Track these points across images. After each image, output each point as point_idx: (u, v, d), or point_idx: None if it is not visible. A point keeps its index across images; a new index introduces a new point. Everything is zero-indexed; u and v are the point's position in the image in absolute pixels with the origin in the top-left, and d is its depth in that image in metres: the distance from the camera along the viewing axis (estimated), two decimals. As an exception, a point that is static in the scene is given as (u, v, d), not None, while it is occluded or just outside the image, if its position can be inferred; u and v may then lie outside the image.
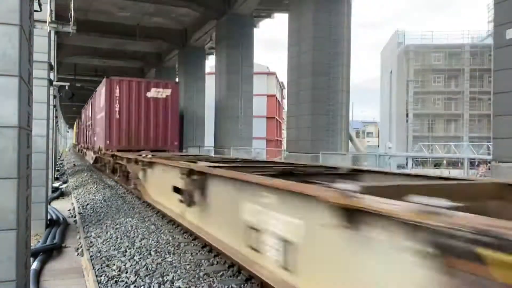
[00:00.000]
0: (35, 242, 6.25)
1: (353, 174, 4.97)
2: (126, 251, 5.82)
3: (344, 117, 14.01)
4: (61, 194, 12.09)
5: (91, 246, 6.15)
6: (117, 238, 6.61)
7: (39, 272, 5.01)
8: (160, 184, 7.85)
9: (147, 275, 4.78)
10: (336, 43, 13.61)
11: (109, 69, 30.01)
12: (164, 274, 4.82)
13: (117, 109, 15.09)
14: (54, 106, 13.97)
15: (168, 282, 4.57)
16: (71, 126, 61.93)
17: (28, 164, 2.85)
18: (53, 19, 7.74)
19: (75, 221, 8.22)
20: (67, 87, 15.07)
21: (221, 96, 19.76)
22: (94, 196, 11.65)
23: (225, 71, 19.20)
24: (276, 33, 49.23)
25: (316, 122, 13.46)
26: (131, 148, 14.61)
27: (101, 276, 4.77)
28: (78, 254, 5.88)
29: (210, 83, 23.57)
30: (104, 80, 15.35)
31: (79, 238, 6.75)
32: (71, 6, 7.85)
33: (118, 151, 13.79)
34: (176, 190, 6.52)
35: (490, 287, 1.59)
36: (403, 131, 45.22)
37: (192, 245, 6.21)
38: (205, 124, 24.94)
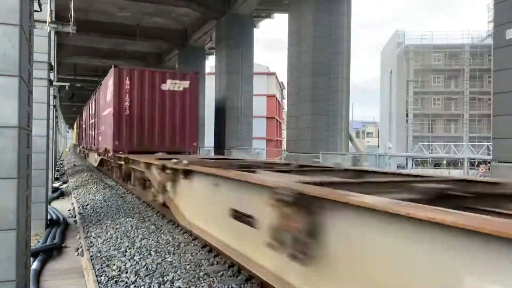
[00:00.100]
0: (35, 242, 6.25)
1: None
2: (126, 251, 5.82)
3: (344, 117, 14.00)
4: (61, 194, 12.10)
5: (91, 246, 6.15)
6: (117, 238, 6.62)
7: (39, 272, 5.02)
8: (206, 203, 5.20)
9: (147, 275, 4.78)
10: (336, 43, 13.61)
11: (109, 69, 29.98)
12: (164, 274, 4.83)
13: (127, 103, 12.76)
14: (54, 106, 13.97)
15: (168, 282, 4.58)
16: (71, 126, 61.91)
17: (28, 164, 2.85)
18: (53, 19, 7.74)
19: (75, 221, 8.22)
20: (67, 87, 15.08)
21: (221, 96, 19.76)
22: (94, 196, 11.65)
23: (225, 71, 19.20)
24: (276, 33, 49.26)
25: (316, 122, 13.45)
26: (144, 149, 12.39)
27: (101, 276, 4.78)
28: (78, 254, 5.88)
29: (210, 83, 23.56)
30: (112, 69, 12.94)
31: (79, 238, 6.75)
32: (71, 6, 7.85)
33: (129, 153, 11.88)
34: (238, 216, 4.12)
35: None
36: (403, 131, 45.22)
37: (192, 245, 6.21)
38: (205, 124, 24.95)
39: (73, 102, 32.32)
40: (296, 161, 9.12)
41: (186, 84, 13.54)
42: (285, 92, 42.05)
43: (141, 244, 6.22)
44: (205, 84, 25.10)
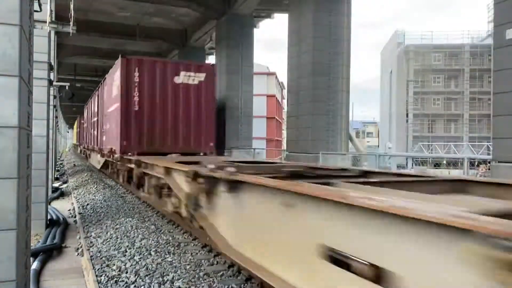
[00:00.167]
0: (35, 242, 6.25)
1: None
2: (126, 251, 5.82)
3: (344, 117, 14.00)
4: (61, 194, 12.10)
5: (91, 246, 6.16)
6: (117, 238, 6.62)
7: (39, 272, 5.02)
8: (269, 230, 3.58)
9: (147, 275, 4.78)
10: (336, 43, 13.61)
11: (109, 69, 29.98)
12: (164, 274, 4.83)
13: (136, 98, 11.29)
14: (54, 106, 13.97)
15: (168, 282, 4.58)
16: (71, 126, 61.92)
17: (28, 164, 2.85)
18: (53, 19, 7.74)
19: (75, 221, 8.22)
20: (67, 87, 15.08)
21: (221, 96, 19.76)
22: (94, 196, 11.65)
23: (225, 71, 19.19)
24: (276, 33, 49.26)
25: (316, 122, 13.45)
26: (155, 150, 11.09)
27: (101, 276, 4.78)
28: (78, 254, 5.88)
29: (210, 83, 23.52)
30: (120, 60, 11.46)
31: (79, 238, 6.75)
32: (71, 6, 7.85)
33: (139, 154, 10.56)
34: (341, 260, 2.56)
35: None
36: (403, 131, 45.22)
37: (192, 245, 6.21)
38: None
39: (73, 102, 32.32)
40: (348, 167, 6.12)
41: (201, 77, 12.10)
42: (285, 92, 42.07)
43: (141, 244, 6.22)
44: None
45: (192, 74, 12.01)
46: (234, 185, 4.10)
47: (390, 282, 2.12)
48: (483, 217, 1.74)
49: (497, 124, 7.45)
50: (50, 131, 9.53)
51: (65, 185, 14.93)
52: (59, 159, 29.33)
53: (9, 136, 2.33)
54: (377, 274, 2.20)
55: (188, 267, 5.11)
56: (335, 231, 2.62)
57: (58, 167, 22.43)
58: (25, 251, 2.65)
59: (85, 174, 18.51)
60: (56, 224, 7.59)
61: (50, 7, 7.07)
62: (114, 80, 12.52)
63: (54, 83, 11.77)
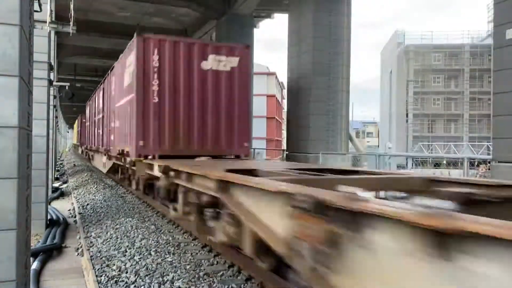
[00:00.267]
0: (35, 242, 6.26)
1: None
2: (126, 251, 5.82)
3: (344, 117, 14.01)
4: (61, 194, 12.10)
5: (91, 246, 6.16)
6: (117, 238, 6.62)
7: (39, 272, 5.02)
8: None
9: (147, 275, 4.78)
10: (336, 43, 13.61)
11: (109, 69, 29.99)
12: (164, 274, 4.83)
13: (155, 88, 9.04)
14: (54, 106, 13.97)
15: (168, 282, 4.58)
16: (71, 126, 61.91)
17: (28, 164, 2.85)
18: (53, 19, 7.75)
19: (75, 221, 8.22)
20: (67, 87, 15.09)
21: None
22: (94, 196, 11.65)
23: (225, 71, 19.17)
24: (276, 33, 49.26)
25: (316, 122, 13.46)
26: (179, 153, 9.04)
27: (101, 276, 4.78)
28: (78, 254, 5.88)
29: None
30: (135, 39, 9.09)
31: (79, 238, 6.75)
32: (71, 6, 7.85)
33: (160, 157, 8.72)
34: None
35: None
36: (403, 131, 45.23)
37: (192, 245, 6.21)
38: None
39: (73, 102, 32.31)
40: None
41: (234, 61, 9.78)
42: (285, 92, 42.06)
43: (141, 244, 6.22)
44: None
45: (223, 58, 9.63)
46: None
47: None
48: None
49: (497, 124, 7.45)
50: (50, 131, 9.54)
51: (65, 185, 14.93)
52: (59, 159, 29.33)
53: (9, 136, 2.33)
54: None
55: (188, 267, 5.11)
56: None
57: (58, 167, 22.42)
58: (25, 251, 2.65)
59: (85, 174, 18.51)
60: (56, 224, 7.60)
61: (50, 7, 7.08)
62: (126, 67, 10.28)
63: (54, 83, 11.77)
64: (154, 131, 9.00)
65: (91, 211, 9.17)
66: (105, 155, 14.47)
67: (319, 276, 2.54)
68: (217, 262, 5.32)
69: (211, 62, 9.52)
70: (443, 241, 1.74)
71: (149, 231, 7.09)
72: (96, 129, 17.96)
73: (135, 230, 7.17)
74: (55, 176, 17.03)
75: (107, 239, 6.54)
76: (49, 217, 7.91)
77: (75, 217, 8.57)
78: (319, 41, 13.44)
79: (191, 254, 5.69)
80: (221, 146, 9.58)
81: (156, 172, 7.21)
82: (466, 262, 1.66)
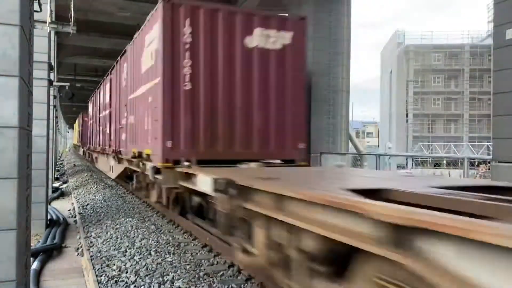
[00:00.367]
0: (35, 242, 6.26)
1: None
2: (126, 251, 5.82)
3: (344, 117, 14.00)
4: (61, 194, 12.10)
5: (91, 246, 6.16)
6: (117, 238, 6.62)
7: (39, 272, 5.02)
8: None
9: (147, 275, 4.78)
10: (336, 43, 13.61)
11: (109, 69, 30.01)
12: (164, 274, 4.83)
13: (187, 70, 6.94)
14: (54, 106, 13.97)
15: (168, 282, 4.58)
16: (71, 126, 61.92)
17: (28, 164, 2.85)
18: (53, 19, 7.75)
19: (75, 221, 8.22)
20: (67, 87, 15.09)
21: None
22: (94, 196, 11.65)
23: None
24: (276, 33, 49.01)
25: (316, 122, 13.46)
26: (217, 156, 7.06)
27: (101, 276, 4.78)
28: (78, 254, 5.88)
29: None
30: (160, 5, 6.99)
31: (79, 238, 6.75)
32: (71, 6, 7.86)
33: (198, 163, 6.55)
34: None
35: None
36: (403, 131, 45.23)
37: (192, 245, 6.21)
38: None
39: (73, 102, 32.31)
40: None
41: (286, 37, 7.62)
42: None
43: (141, 244, 6.22)
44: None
45: (272, 32, 7.50)
46: None
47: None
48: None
49: (497, 124, 7.45)
50: (50, 131, 9.54)
51: (65, 185, 14.93)
52: (59, 159, 29.34)
53: (9, 136, 2.33)
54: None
55: (188, 267, 5.11)
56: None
57: (58, 167, 22.43)
58: (25, 251, 2.65)
59: (85, 174, 18.51)
60: (56, 224, 7.60)
61: (50, 7, 7.08)
62: (145, 46, 8.14)
63: (54, 83, 11.77)
64: (186, 128, 6.86)
65: (91, 211, 9.17)
66: (113, 157, 12.21)
67: None
68: (217, 262, 5.33)
69: (258, 38, 7.39)
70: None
71: (149, 231, 7.09)
72: (101, 127, 15.82)
73: (135, 230, 7.17)
74: (55, 176, 17.04)
75: (107, 239, 6.54)
76: (49, 217, 7.91)
77: (75, 217, 8.57)
78: (319, 41, 13.44)
79: (191, 254, 5.69)
80: (269, 148, 7.44)
81: (204, 186, 5.07)
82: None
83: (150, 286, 4.46)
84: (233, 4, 18.41)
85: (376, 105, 54.66)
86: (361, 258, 2.42)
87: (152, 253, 5.72)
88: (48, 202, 8.34)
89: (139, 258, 5.46)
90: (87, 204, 10.15)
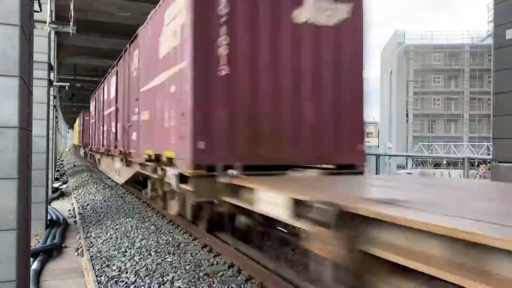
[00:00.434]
0: (35, 242, 6.26)
1: None
2: (126, 251, 5.82)
3: (344, 117, 13.97)
4: (61, 195, 12.10)
5: (91, 246, 6.16)
6: (117, 238, 6.62)
7: (39, 272, 5.02)
8: None
9: (147, 275, 4.78)
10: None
11: (109, 69, 30.02)
12: (164, 274, 4.83)
13: (223, 51, 5.41)
14: (54, 106, 13.98)
15: (168, 282, 4.58)
16: (71, 126, 61.94)
17: (28, 164, 2.85)
18: (53, 19, 7.76)
19: (75, 221, 8.22)
20: (67, 88, 15.09)
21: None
22: (94, 196, 11.65)
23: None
24: (276, 33, 49.00)
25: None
26: (260, 160, 5.48)
27: (101, 276, 4.78)
28: (78, 254, 5.88)
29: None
30: None
31: (79, 238, 6.75)
32: (71, 6, 7.86)
33: (228, 168, 4.87)
34: None
35: None
36: (403, 131, 45.24)
37: (192, 245, 6.21)
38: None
39: (73, 102, 32.32)
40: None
41: (344, 10, 6.07)
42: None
43: (141, 244, 6.22)
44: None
45: (327, 4, 5.95)
46: None
47: None
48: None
49: (497, 124, 7.45)
50: (50, 131, 9.54)
51: (65, 186, 14.93)
52: (59, 159, 29.35)
53: (9, 136, 2.33)
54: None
55: (188, 267, 5.11)
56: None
57: (58, 168, 22.43)
58: (25, 251, 2.65)
59: (85, 175, 18.51)
60: (56, 224, 7.60)
61: (50, 7, 7.08)
62: (165, 23, 6.67)
63: (54, 83, 11.77)
64: (222, 125, 5.32)
65: (91, 211, 9.17)
66: (121, 160, 10.56)
67: None
68: (217, 262, 5.32)
69: (309, 11, 5.82)
70: None
71: (149, 231, 7.09)
72: (105, 126, 14.29)
73: (135, 230, 7.17)
74: (55, 176, 17.04)
75: (107, 239, 6.54)
76: (49, 217, 7.91)
77: (75, 217, 8.57)
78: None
79: (191, 254, 5.69)
80: (323, 150, 5.80)
81: (272, 209, 3.54)
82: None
83: (150, 287, 4.46)
84: None
85: (376, 105, 54.60)
86: None
87: (152, 253, 5.72)
88: (48, 202, 8.34)
89: (139, 259, 5.46)
90: (87, 204, 10.15)
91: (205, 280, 4.66)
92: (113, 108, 12.31)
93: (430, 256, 1.98)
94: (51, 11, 7.16)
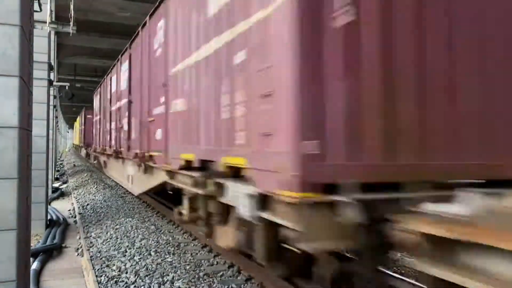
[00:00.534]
0: (35, 242, 6.26)
1: None
2: (126, 251, 5.82)
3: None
4: (61, 195, 12.10)
5: (91, 246, 6.16)
6: (117, 238, 6.62)
7: (39, 272, 5.02)
8: None
9: (147, 275, 4.78)
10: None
11: (109, 69, 30.05)
12: (164, 274, 4.83)
13: None
14: (54, 106, 13.98)
15: (168, 282, 4.58)
16: (71, 126, 61.99)
17: (28, 164, 2.85)
18: (53, 19, 7.76)
19: (75, 221, 8.22)
20: (67, 88, 15.08)
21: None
22: (94, 196, 11.65)
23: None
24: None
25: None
26: (399, 176, 3.16)
27: (101, 276, 4.78)
28: (78, 254, 5.88)
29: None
30: None
31: (79, 238, 6.75)
32: (71, 6, 7.86)
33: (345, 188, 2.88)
34: None
35: None
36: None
37: (192, 245, 6.21)
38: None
39: (73, 102, 32.35)
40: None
41: None
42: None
43: (141, 244, 6.22)
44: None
45: None
46: None
47: None
48: None
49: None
50: (50, 131, 9.54)
51: (65, 185, 14.93)
52: (59, 159, 29.36)
53: (9, 136, 2.33)
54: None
55: (188, 267, 5.11)
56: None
57: (58, 167, 22.44)
58: (25, 251, 2.65)
59: (85, 175, 18.51)
60: (56, 224, 7.60)
61: (50, 7, 7.09)
62: None
63: (54, 83, 11.78)
64: (345, 113, 3.15)
65: (91, 211, 9.17)
66: (138, 165, 8.33)
67: None
68: (217, 262, 5.32)
69: None
70: None
71: (149, 231, 7.09)
72: (112, 123, 12.28)
73: (135, 230, 7.17)
74: (55, 176, 17.04)
75: (107, 239, 6.54)
76: (49, 217, 7.91)
77: (75, 217, 8.57)
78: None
79: (191, 254, 5.69)
80: (496, 155, 3.63)
81: None
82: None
83: (150, 287, 4.46)
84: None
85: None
86: None
87: (152, 253, 5.72)
88: (48, 202, 8.34)
89: (139, 259, 5.46)
90: (87, 204, 10.15)
91: (205, 280, 4.66)
92: (124, 101, 10.21)
93: None
94: (51, 11, 7.17)
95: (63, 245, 6.30)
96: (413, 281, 4.05)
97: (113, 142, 12.04)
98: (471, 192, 2.62)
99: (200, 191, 4.73)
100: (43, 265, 5.32)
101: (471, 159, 3.52)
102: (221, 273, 4.89)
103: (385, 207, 3.00)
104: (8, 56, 2.33)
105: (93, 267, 5.07)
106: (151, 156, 7.28)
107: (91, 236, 6.86)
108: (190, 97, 5.35)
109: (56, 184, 14.69)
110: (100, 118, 16.05)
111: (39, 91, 6.96)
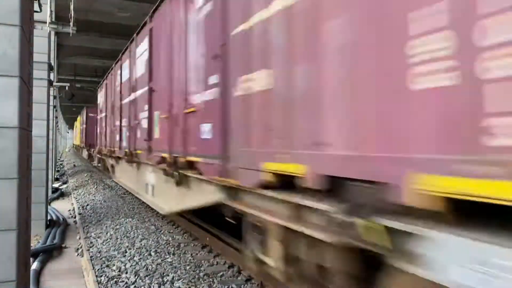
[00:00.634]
0: (35, 243, 6.26)
1: None
2: (126, 252, 5.82)
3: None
4: (61, 195, 12.10)
5: (91, 247, 6.16)
6: (117, 238, 6.62)
7: (39, 273, 5.02)
8: None
9: (147, 276, 4.78)
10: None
11: (109, 69, 30.05)
12: (164, 274, 4.83)
13: None
14: (54, 106, 13.98)
15: (168, 282, 4.58)
16: (71, 126, 61.98)
17: (28, 165, 2.85)
18: (53, 19, 7.76)
19: (75, 221, 8.22)
20: (67, 88, 15.08)
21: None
22: (94, 196, 11.65)
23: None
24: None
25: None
26: None
27: (101, 276, 4.78)
28: (78, 254, 5.88)
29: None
30: None
31: (79, 238, 6.75)
32: (71, 6, 7.86)
33: None
34: None
35: None
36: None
37: (192, 245, 6.21)
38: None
39: (73, 103, 32.35)
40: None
41: None
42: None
43: (141, 244, 6.22)
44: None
45: None
46: None
47: None
48: None
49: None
50: (50, 132, 9.54)
51: (65, 186, 14.93)
52: (59, 159, 29.36)
53: (9, 136, 2.33)
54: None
55: (188, 267, 5.11)
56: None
57: (58, 168, 22.43)
58: (25, 252, 2.65)
59: (85, 175, 18.50)
60: (56, 224, 7.60)
61: (50, 7, 7.09)
62: None
63: (54, 83, 11.78)
64: None
65: (91, 212, 9.17)
66: (168, 174, 5.97)
67: None
68: (217, 262, 5.32)
69: None
70: None
71: (149, 231, 7.09)
72: (124, 120, 10.29)
73: (135, 230, 7.17)
74: (55, 176, 17.04)
75: (107, 240, 6.54)
76: (49, 217, 7.91)
77: (75, 217, 8.57)
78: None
79: (191, 254, 5.69)
80: None
81: None
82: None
83: (150, 287, 4.46)
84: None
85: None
86: None
87: (152, 253, 5.72)
88: (48, 202, 8.34)
89: (139, 259, 5.46)
90: (87, 205, 10.15)
91: (205, 280, 4.66)
92: (142, 91, 8.09)
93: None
94: (51, 11, 7.17)
95: (63, 245, 6.31)
96: None
97: (124, 142, 10.07)
98: None
99: (326, 238, 2.51)
100: (43, 265, 5.32)
101: None
102: (221, 273, 4.89)
103: None
104: (8, 56, 2.33)
105: (93, 267, 5.07)
106: (190, 163, 5.16)
107: (91, 236, 6.86)
108: (289, 65, 2.97)
109: (56, 184, 14.69)
110: (106, 115, 14.01)
111: (39, 91, 6.96)
